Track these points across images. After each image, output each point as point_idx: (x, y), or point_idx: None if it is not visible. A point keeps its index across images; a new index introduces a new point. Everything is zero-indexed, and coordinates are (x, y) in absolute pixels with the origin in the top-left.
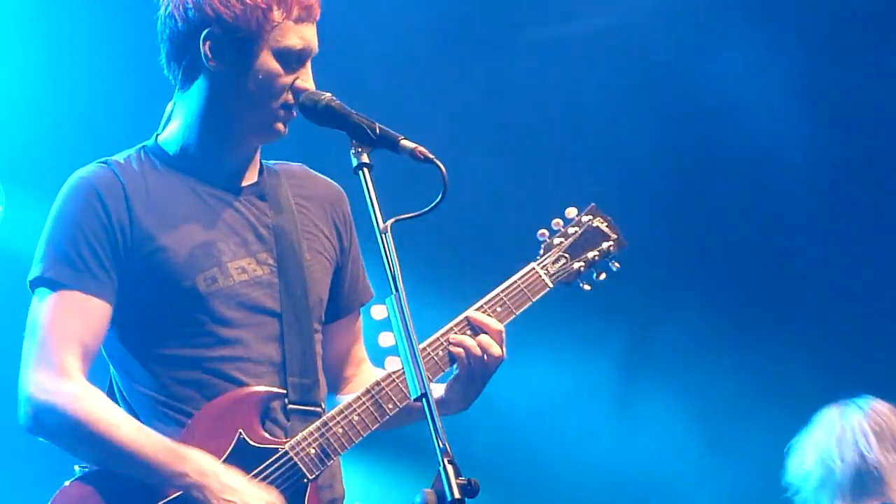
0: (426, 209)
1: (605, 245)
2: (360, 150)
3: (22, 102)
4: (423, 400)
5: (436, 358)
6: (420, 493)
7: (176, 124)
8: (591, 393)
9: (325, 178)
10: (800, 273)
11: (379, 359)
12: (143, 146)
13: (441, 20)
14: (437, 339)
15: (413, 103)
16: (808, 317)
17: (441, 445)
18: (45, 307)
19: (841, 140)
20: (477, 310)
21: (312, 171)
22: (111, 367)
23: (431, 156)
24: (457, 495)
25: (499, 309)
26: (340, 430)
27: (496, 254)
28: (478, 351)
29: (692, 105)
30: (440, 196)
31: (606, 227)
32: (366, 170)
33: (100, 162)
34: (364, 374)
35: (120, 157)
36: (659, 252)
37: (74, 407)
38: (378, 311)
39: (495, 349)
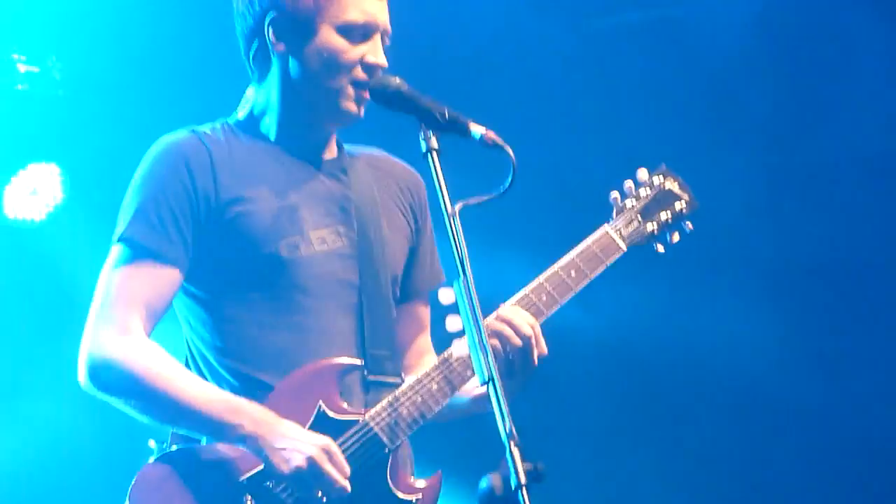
0: (495, 194)
1: (677, 206)
2: (428, 134)
3: (97, 95)
4: (490, 384)
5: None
6: (486, 477)
7: (256, 107)
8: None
9: (404, 162)
10: None
11: (445, 342)
12: (226, 121)
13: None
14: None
15: (479, 90)
16: None
17: (507, 430)
18: (117, 265)
19: None
20: (551, 276)
21: (391, 155)
22: (187, 330)
23: (501, 140)
24: (522, 480)
25: (573, 273)
26: (419, 399)
27: (565, 236)
28: (511, 343)
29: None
30: (509, 180)
31: (678, 187)
32: (434, 154)
33: (187, 129)
34: (425, 367)
35: (206, 128)
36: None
37: (130, 362)
38: (446, 296)
39: (515, 341)
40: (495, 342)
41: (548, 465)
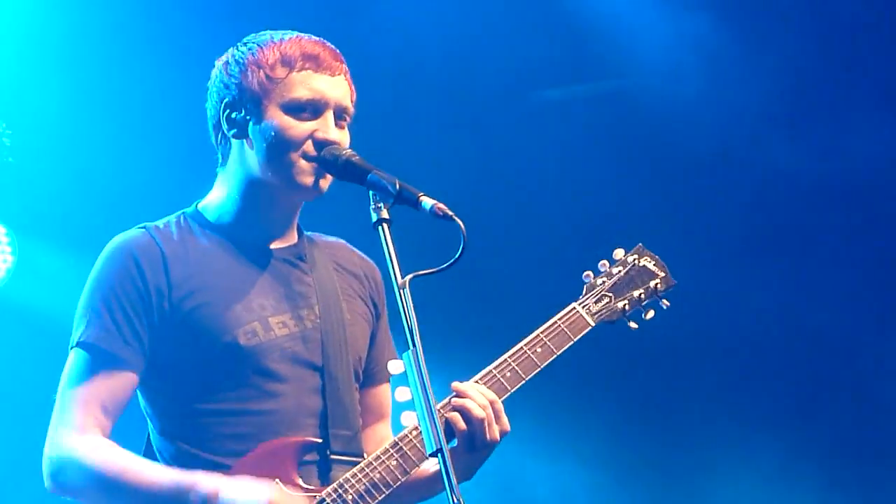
0: (445, 265)
1: (652, 283)
2: (380, 205)
3: (39, 152)
4: (439, 455)
5: (448, 418)
6: None
7: (217, 194)
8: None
9: (361, 253)
10: None
11: (395, 412)
12: (183, 212)
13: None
14: (439, 408)
15: (429, 162)
16: None
17: (455, 500)
18: (74, 370)
19: None
20: (516, 353)
21: (349, 245)
22: (150, 425)
23: (451, 212)
24: None
25: (539, 350)
26: (377, 476)
27: (524, 313)
28: (470, 419)
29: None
30: (459, 252)
31: (654, 265)
32: (385, 225)
33: (139, 227)
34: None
35: (159, 223)
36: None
37: (85, 458)
38: (395, 367)
39: (474, 414)
40: (455, 417)
41: None
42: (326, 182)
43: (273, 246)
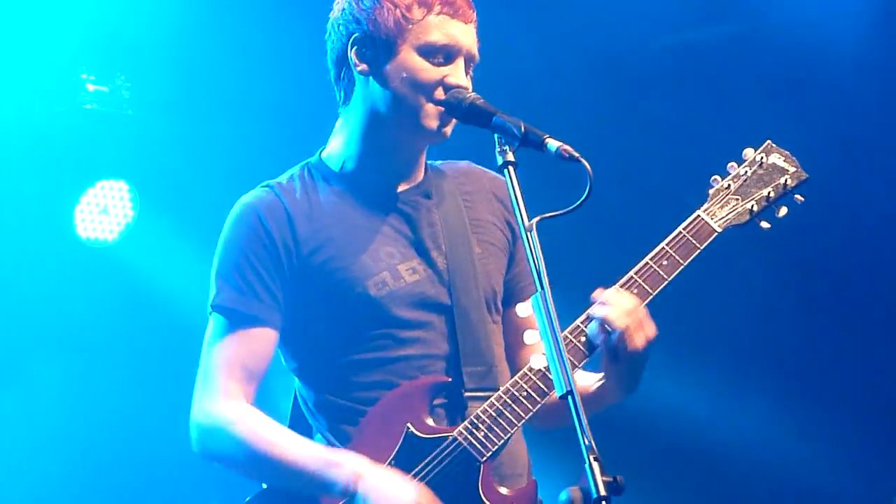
0: (573, 206)
1: (782, 180)
2: (505, 148)
3: (162, 110)
4: (569, 397)
5: (578, 344)
6: (566, 491)
7: (339, 138)
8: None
9: (491, 172)
10: None
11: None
12: (307, 163)
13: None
14: (579, 325)
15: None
16: None
17: (587, 443)
18: (213, 334)
19: None
20: (641, 268)
21: (478, 165)
22: (295, 380)
23: (577, 154)
24: (602, 493)
25: (665, 262)
26: (509, 408)
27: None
28: (611, 328)
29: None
30: (587, 192)
31: (783, 161)
32: (511, 168)
33: (263, 185)
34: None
35: (283, 178)
36: None
37: (232, 428)
38: (524, 309)
39: (620, 321)
40: (594, 328)
41: (627, 478)
42: (450, 127)
43: (399, 189)
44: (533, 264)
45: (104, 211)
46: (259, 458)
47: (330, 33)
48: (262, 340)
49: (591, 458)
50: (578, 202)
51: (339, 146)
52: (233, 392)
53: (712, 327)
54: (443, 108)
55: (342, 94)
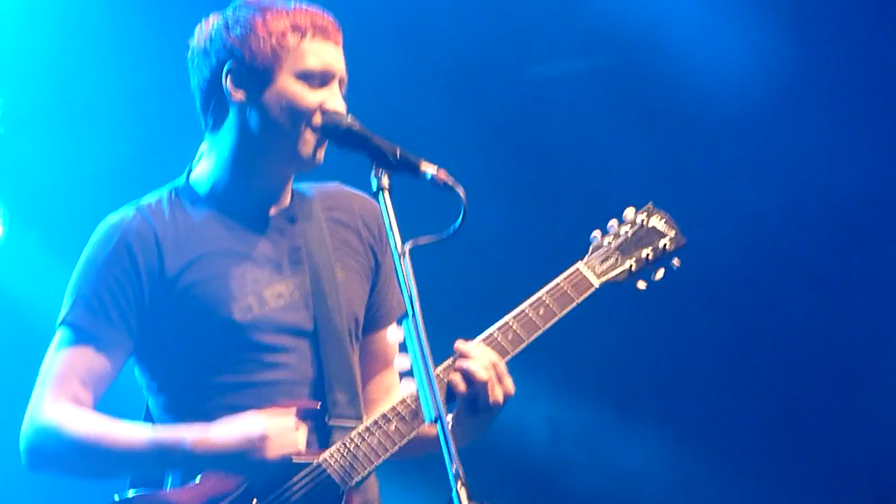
0: (447, 233)
1: (661, 242)
2: (381, 173)
3: (30, 124)
4: (438, 423)
5: (450, 380)
6: None
7: (208, 163)
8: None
9: (361, 193)
10: None
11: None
12: (175, 186)
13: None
14: (438, 373)
15: (428, 134)
16: None
17: (454, 470)
18: (58, 349)
19: None
20: (518, 314)
21: (348, 188)
22: (149, 400)
23: (451, 180)
24: None
25: (542, 311)
26: (376, 440)
27: (529, 279)
28: (472, 381)
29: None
30: (460, 219)
31: (664, 223)
32: (386, 193)
33: (131, 205)
34: (387, 405)
35: (151, 200)
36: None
37: (62, 429)
38: (395, 334)
39: (482, 374)
40: (457, 379)
41: None
42: (322, 152)
43: (264, 213)
44: (405, 289)
45: None
46: (92, 450)
47: (195, 60)
48: (104, 362)
49: (459, 484)
50: (452, 229)
51: (207, 170)
52: (62, 399)
53: (594, 362)
54: (318, 135)
55: (210, 120)
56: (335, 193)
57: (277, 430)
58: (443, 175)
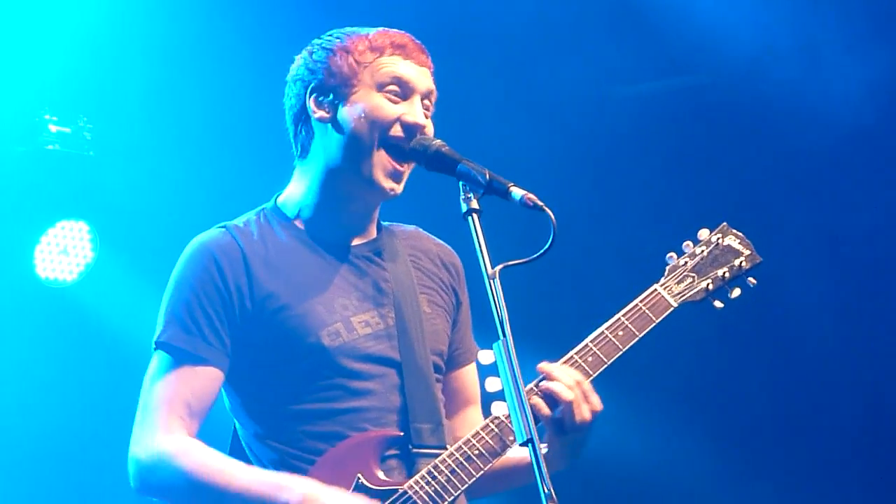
0: (536, 255)
1: (736, 262)
2: (469, 195)
3: (120, 148)
4: (530, 445)
5: (533, 404)
6: None
7: (296, 188)
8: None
9: (438, 240)
10: None
11: (486, 403)
12: (263, 208)
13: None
14: (536, 384)
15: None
16: None
17: (546, 491)
18: (157, 370)
19: None
20: (597, 336)
21: (425, 231)
22: (237, 425)
23: (541, 203)
24: None
25: (620, 333)
26: (460, 465)
27: (607, 300)
28: (558, 401)
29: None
30: (549, 242)
31: (739, 243)
32: (475, 215)
33: (219, 227)
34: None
35: (239, 221)
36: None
37: (177, 461)
38: (486, 357)
39: (566, 394)
40: (540, 402)
41: None
42: (401, 185)
43: (353, 242)
44: (495, 311)
45: (64, 251)
46: (204, 487)
47: (287, 92)
48: (206, 381)
49: None
50: (542, 251)
51: (295, 195)
52: (174, 428)
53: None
54: (395, 165)
55: (300, 147)
56: (416, 234)
57: None
58: (532, 197)
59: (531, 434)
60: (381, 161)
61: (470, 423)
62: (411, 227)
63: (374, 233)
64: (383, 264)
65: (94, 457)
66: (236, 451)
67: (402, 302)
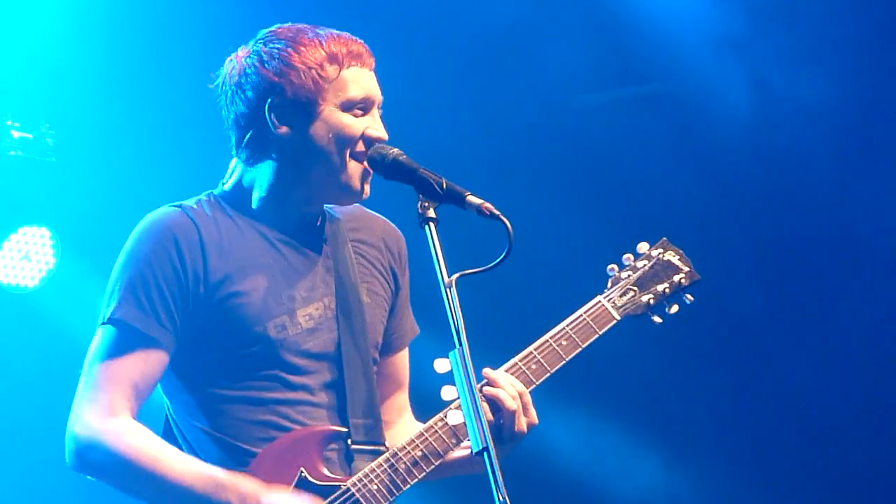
0: (492, 264)
1: (676, 278)
2: (426, 204)
3: (81, 154)
4: (485, 454)
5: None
6: None
7: (244, 181)
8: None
9: (382, 217)
10: None
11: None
12: (211, 193)
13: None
14: (480, 388)
15: (471, 162)
16: None
17: (501, 499)
18: (104, 346)
19: None
20: (541, 345)
21: (369, 210)
22: (168, 406)
23: (497, 212)
24: None
25: (564, 343)
26: (402, 466)
27: (559, 308)
28: (501, 410)
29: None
30: (506, 251)
31: (678, 259)
32: (432, 224)
33: (173, 205)
34: (404, 425)
35: (191, 202)
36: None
37: (118, 443)
38: (442, 365)
39: (510, 404)
40: (485, 407)
41: None
42: (368, 186)
43: (300, 231)
44: (452, 320)
45: (26, 257)
46: (141, 473)
47: (232, 98)
48: (154, 363)
49: None
50: (499, 259)
51: (244, 188)
52: (117, 408)
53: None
54: (365, 166)
55: (246, 152)
56: (358, 215)
57: None
58: (489, 206)
59: (486, 443)
60: (356, 170)
61: (397, 408)
62: (354, 207)
63: (319, 221)
64: (328, 252)
65: (56, 461)
66: (168, 434)
67: (343, 292)
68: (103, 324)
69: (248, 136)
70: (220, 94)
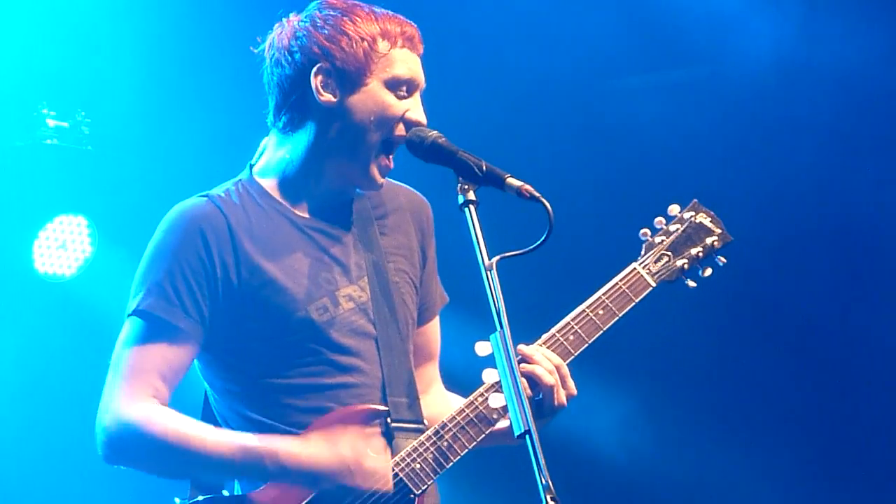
0: (532, 246)
1: (708, 240)
2: (466, 187)
3: (122, 146)
4: (527, 437)
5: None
6: None
7: (274, 158)
8: None
9: (407, 187)
10: None
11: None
12: (240, 179)
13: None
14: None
15: (513, 144)
16: None
17: (544, 482)
18: (132, 338)
19: None
20: (578, 315)
21: (393, 181)
22: (210, 394)
23: (538, 194)
24: None
25: (601, 312)
26: (445, 445)
27: (592, 280)
28: (539, 385)
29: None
30: (546, 233)
31: (710, 221)
32: (472, 207)
33: (201, 195)
34: (434, 396)
35: (220, 191)
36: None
37: (144, 425)
38: (483, 348)
39: (548, 378)
40: (523, 384)
41: None
42: (385, 180)
43: (329, 214)
44: (493, 303)
45: (63, 246)
46: (175, 453)
47: (278, 60)
48: (182, 353)
49: (549, 497)
50: (539, 241)
51: (274, 167)
52: (143, 395)
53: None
54: (389, 157)
55: (286, 117)
56: (383, 189)
57: (372, 464)
58: (529, 188)
59: (528, 426)
60: (380, 158)
61: (427, 379)
62: None
63: (347, 200)
64: (356, 234)
65: (94, 451)
66: (208, 420)
67: (374, 273)
68: (130, 316)
69: (289, 101)
70: (264, 58)
